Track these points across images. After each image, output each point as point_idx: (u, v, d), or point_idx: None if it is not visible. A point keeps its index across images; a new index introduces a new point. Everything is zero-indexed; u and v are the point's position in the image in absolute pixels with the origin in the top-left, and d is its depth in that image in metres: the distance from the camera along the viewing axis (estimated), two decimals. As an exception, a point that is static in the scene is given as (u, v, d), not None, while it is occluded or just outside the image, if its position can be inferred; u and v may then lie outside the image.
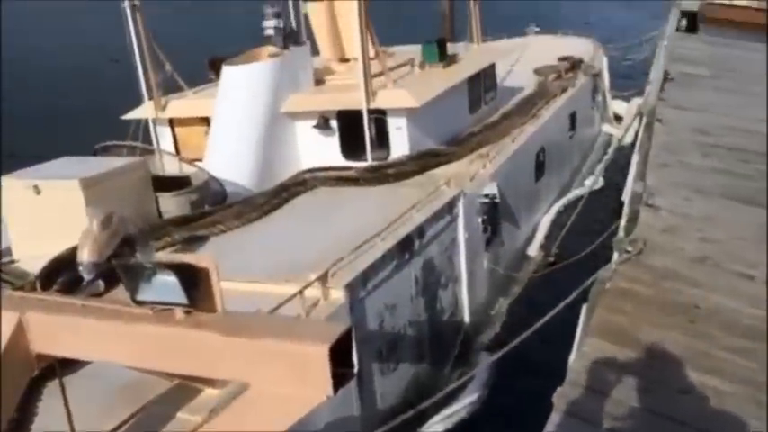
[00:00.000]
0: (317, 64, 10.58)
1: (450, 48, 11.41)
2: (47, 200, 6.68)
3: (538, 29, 19.36)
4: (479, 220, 8.86)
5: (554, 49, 15.64)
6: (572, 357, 5.26)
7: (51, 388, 4.22)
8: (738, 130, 10.50)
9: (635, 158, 10.61)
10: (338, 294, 5.90)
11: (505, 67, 14.20)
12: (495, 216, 9.14)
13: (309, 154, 9.56)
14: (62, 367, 3.18)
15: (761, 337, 4.88)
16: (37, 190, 6.71)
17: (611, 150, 14.27)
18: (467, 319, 8.78)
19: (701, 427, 4.07)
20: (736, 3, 40.23)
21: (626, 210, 7.99)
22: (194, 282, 2.42)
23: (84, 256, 5.83)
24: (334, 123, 9.45)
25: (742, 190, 7.97)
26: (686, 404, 4.26)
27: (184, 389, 4.14)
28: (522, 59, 15.15)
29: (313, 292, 5.73)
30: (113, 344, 2.64)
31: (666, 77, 13.52)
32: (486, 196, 8.87)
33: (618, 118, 17.30)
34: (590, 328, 5.17)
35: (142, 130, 9.77)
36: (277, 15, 9.64)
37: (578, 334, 5.66)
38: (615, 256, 6.38)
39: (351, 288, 6.06)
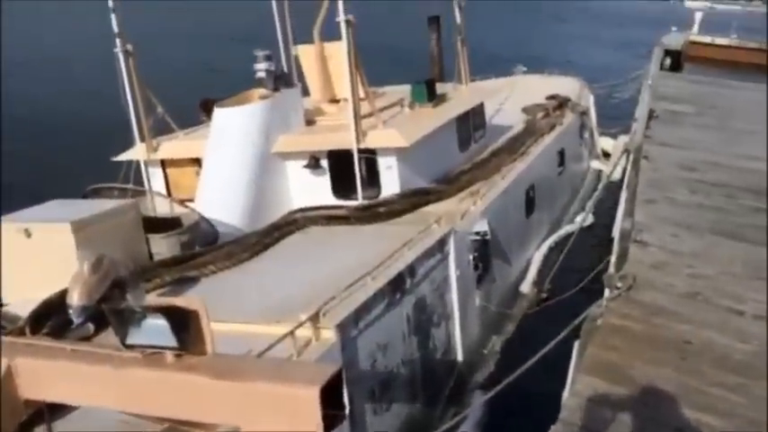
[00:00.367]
0: (307, 105, 10.70)
1: (439, 87, 11.58)
2: (38, 243, 6.66)
3: (525, 69, 19.71)
4: (470, 257, 8.89)
5: (541, 88, 15.90)
6: (565, 395, 5.24)
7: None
8: (722, 165, 10.67)
9: (623, 195, 10.73)
10: (329, 334, 5.87)
11: (494, 105, 14.41)
12: (486, 253, 9.17)
13: (300, 193, 9.61)
14: (51, 412, 3.14)
15: (752, 372, 4.89)
16: (27, 233, 6.70)
17: (600, 186, 14.42)
18: (460, 357, 8.73)
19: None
20: (717, 41, 41.23)
21: (616, 246, 8.06)
22: (184, 325, 2.42)
23: (74, 300, 5.79)
24: (324, 163, 9.53)
25: (728, 225, 8.07)
26: (680, 442, 4.24)
27: (174, 433, 4.08)
28: (510, 98, 15.38)
29: (304, 332, 5.70)
30: (103, 388, 2.62)
31: (651, 115, 13.77)
32: (477, 233, 8.91)
33: (606, 154, 17.53)
34: (582, 365, 5.17)
35: (134, 172, 9.81)
36: (268, 58, 9.79)
37: (571, 371, 5.65)
38: (607, 292, 6.41)
39: (342, 328, 6.04)
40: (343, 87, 9.64)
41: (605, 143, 17.77)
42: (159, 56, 21.96)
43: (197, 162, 9.63)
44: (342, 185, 9.48)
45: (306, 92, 11.09)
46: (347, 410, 2.29)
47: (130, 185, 9.18)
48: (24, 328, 5.76)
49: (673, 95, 16.58)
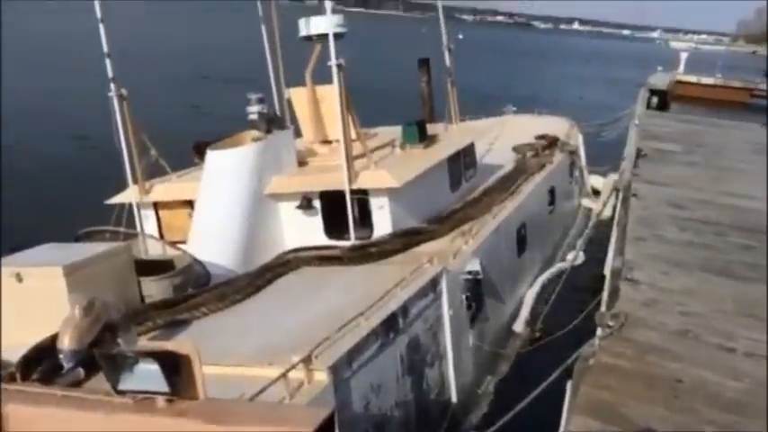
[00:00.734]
0: (299, 146, 10.82)
1: (430, 128, 11.74)
2: (29, 287, 6.64)
3: (515, 109, 20.02)
4: (463, 296, 8.90)
5: (531, 128, 16.13)
6: (559, 436, 5.22)
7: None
8: (711, 203, 10.80)
9: (614, 233, 10.81)
10: (322, 376, 5.84)
11: (485, 145, 14.59)
12: (478, 292, 9.18)
13: (293, 234, 9.64)
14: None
15: (744, 410, 4.90)
16: (19, 278, 6.67)
17: (590, 224, 14.53)
18: (454, 398, 8.67)
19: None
20: (703, 81, 42.07)
21: (607, 284, 8.09)
22: (176, 369, 2.43)
23: (65, 344, 5.75)
24: (317, 204, 9.59)
25: (718, 263, 8.14)
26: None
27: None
28: (500, 138, 15.58)
29: (297, 375, 5.67)
30: (94, 434, 2.61)
31: (639, 154, 13.97)
32: (470, 273, 8.93)
33: (596, 192, 17.71)
34: (576, 405, 5.15)
35: (126, 214, 9.83)
36: (260, 101, 9.93)
37: (565, 411, 5.63)
38: (599, 330, 6.43)
39: (335, 369, 6.01)
40: (335, 129, 9.77)
41: (595, 181, 17.97)
42: (153, 99, 22.16)
43: (189, 204, 9.67)
44: (334, 226, 9.52)
45: (298, 133, 11.23)
46: (339, 454, 2.29)
47: (122, 228, 9.19)
48: (15, 374, 5.70)
49: (660, 134, 16.86)
